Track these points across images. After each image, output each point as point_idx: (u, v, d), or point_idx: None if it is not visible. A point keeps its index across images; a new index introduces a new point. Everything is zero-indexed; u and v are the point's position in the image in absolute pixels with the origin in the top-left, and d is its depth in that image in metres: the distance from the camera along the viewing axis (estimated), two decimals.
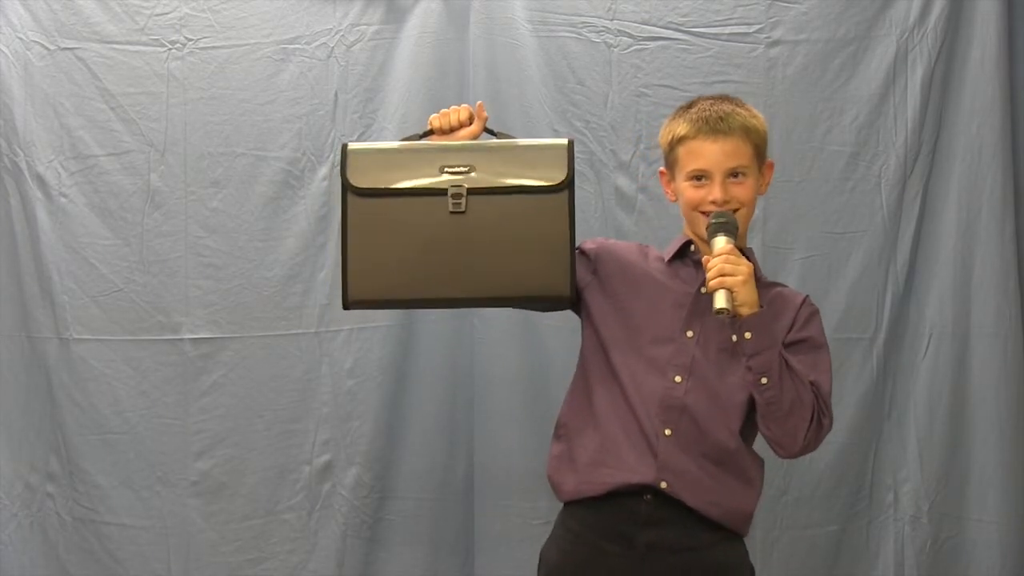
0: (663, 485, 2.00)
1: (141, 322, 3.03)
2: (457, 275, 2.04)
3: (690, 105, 2.13)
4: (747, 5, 2.94)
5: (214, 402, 3.02)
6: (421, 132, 2.19)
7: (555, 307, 2.17)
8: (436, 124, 2.15)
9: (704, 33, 2.95)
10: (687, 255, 2.13)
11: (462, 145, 2.11)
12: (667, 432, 2.01)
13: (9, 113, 3.02)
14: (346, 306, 2.10)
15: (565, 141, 2.11)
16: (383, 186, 2.07)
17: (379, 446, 3.01)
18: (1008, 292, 2.87)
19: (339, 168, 2.12)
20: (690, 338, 2.05)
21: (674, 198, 2.14)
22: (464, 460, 3.02)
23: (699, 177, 2.05)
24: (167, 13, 3.03)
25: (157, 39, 3.03)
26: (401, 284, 2.06)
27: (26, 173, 3.02)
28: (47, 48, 3.03)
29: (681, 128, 2.08)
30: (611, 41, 2.97)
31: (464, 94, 3.00)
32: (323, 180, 3.03)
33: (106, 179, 3.04)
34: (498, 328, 2.94)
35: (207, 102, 3.04)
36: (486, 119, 2.18)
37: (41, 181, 3.03)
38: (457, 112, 2.15)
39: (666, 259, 2.14)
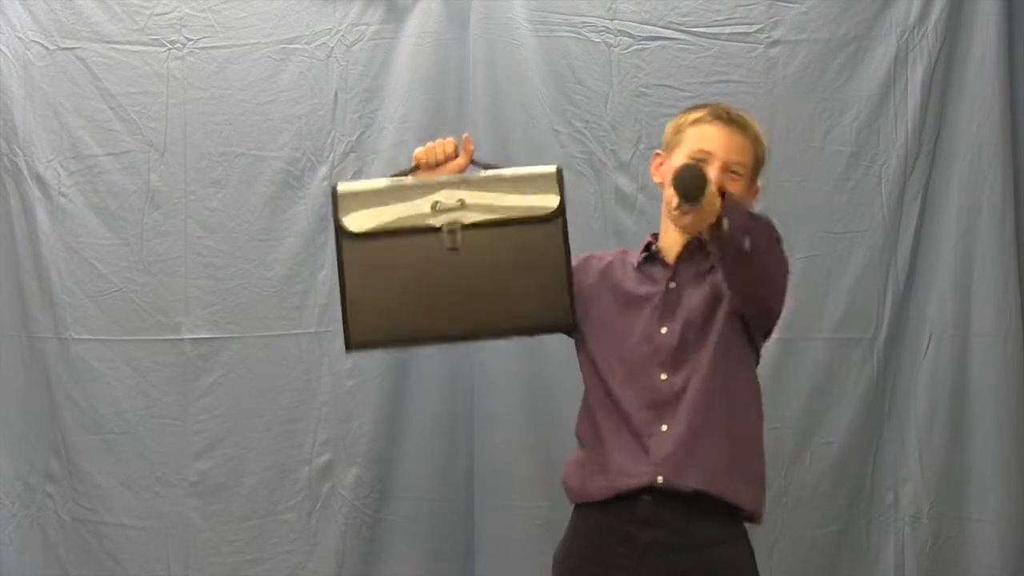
0: (660, 480, 2.01)
1: (141, 322, 3.03)
2: (457, 311, 2.04)
3: (706, 104, 2.16)
4: (747, 5, 2.94)
5: (214, 402, 3.02)
6: (408, 168, 2.16)
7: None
8: (422, 159, 2.13)
9: (704, 33, 2.95)
10: (651, 253, 2.15)
11: (451, 180, 2.09)
12: (663, 428, 2.03)
13: (9, 113, 3.02)
14: (349, 349, 2.09)
15: (554, 168, 2.11)
16: (377, 228, 2.07)
17: (379, 446, 3.01)
18: (1008, 292, 2.88)
19: (331, 212, 2.10)
20: (665, 334, 2.07)
21: (660, 180, 2.14)
22: (464, 460, 3.01)
23: (700, 160, 2.06)
24: (167, 13, 3.04)
25: (157, 39, 3.04)
26: (402, 324, 2.05)
27: (26, 173, 3.02)
28: (47, 48, 3.03)
29: (697, 114, 2.12)
30: (611, 41, 2.97)
31: (464, 94, 3.01)
32: (323, 180, 3.03)
33: (106, 179, 3.04)
34: None
35: (207, 102, 3.04)
36: (472, 152, 2.16)
37: (41, 181, 3.03)
38: (443, 145, 2.13)
39: (636, 264, 2.15)
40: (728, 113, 2.10)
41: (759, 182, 2.17)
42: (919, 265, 2.93)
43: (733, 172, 2.07)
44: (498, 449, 2.95)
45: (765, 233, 1.99)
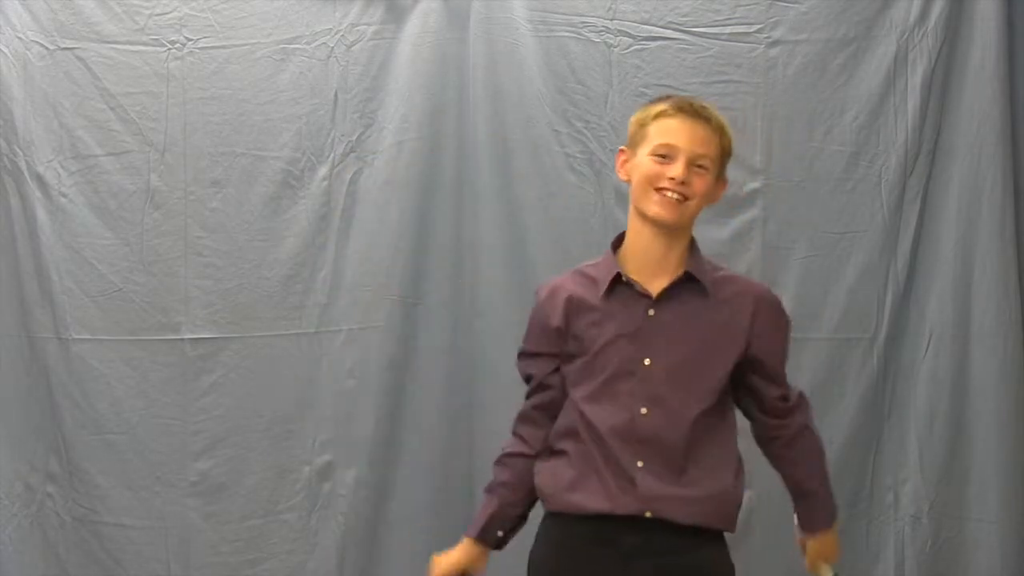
0: (648, 515, 2.00)
1: (141, 322, 3.03)
2: None
3: (668, 96, 2.11)
4: (747, 5, 2.94)
5: (214, 402, 3.02)
6: None
7: None
8: None
9: (704, 33, 2.95)
10: (620, 283, 2.07)
11: None
12: (639, 464, 2.01)
13: (9, 113, 3.02)
14: None
15: None
16: None
17: (379, 446, 3.01)
18: (1008, 292, 2.87)
19: None
20: (648, 366, 2.02)
21: (626, 177, 2.08)
22: (464, 460, 3.01)
23: (664, 155, 2.01)
24: (167, 13, 3.03)
25: (157, 39, 3.04)
26: None
27: (26, 173, 3.03)
28: (47, 48, 3.03)
29: (660, 107, 2.05)
30: (611, 41, 2.97)
31: (464, 94, 3.01)
32: (323, 180, 3.03)
33: (106, 179, 3.04)
34: (498, 327, 2.94)
35: (207, 102, 3.04)
36: None
37: (41, 181, 3.03)
38: None
39: (600, 295, 2.06)
40: (691, 105, 2.04)
41: (726, 178, 2.11)
42: (919, 265, 2.93)
43: (699, 166, 2.01)
44: (498, 449, 2.94)
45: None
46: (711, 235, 2.92)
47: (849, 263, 2.93)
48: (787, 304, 2.90)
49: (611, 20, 2.97)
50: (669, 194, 1.99)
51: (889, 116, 2.92)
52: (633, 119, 2.10)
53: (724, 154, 2.07)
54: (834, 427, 2.90)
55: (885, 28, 2.92)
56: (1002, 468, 2.86)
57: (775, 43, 2.94)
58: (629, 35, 2.96)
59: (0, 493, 3.04)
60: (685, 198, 2.00)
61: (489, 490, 2.16)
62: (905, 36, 2.91)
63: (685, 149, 2.01)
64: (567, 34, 2.98)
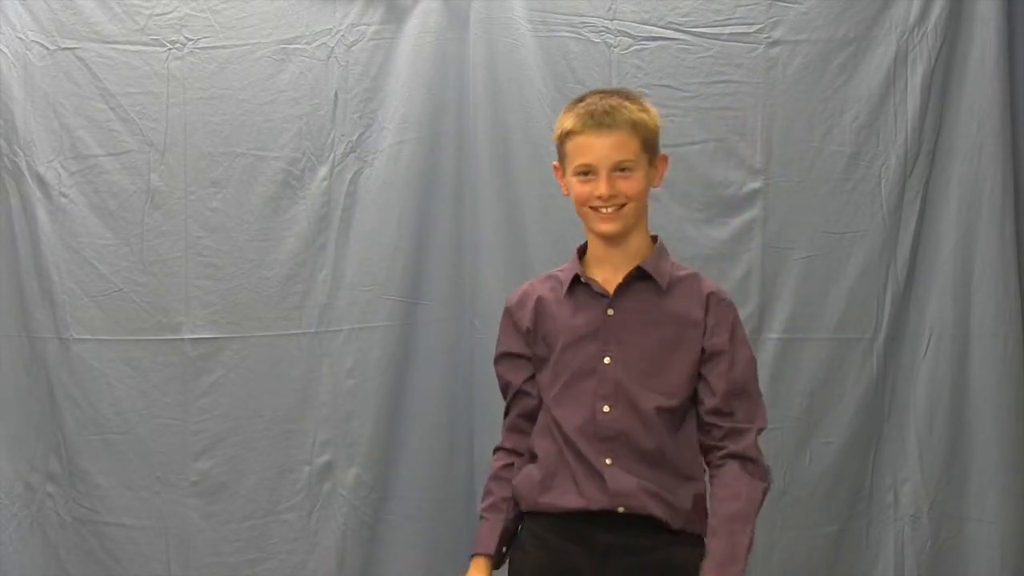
0: (620, 510, 2.02)
1: (141, 322, 3.03)
2: None
3: (580, 99, 2.10)
4: (747, 5, 2.94)
5: (214, 402, 3.02)
6: None
7: None
8: None
9: (704, 33, 2.95)
10: (580, 284, 2.11)
11: None
12: (608, 461, 2.02)
13: (9, 113, 3.02)
14: None
15: None
16: None
17: (379, 446, 3.01)
18: (1008, 292, 2.88)
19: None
20: (608, 364, 2.05)
21: (567, 193, 2.11)
22: (464, 460, 3.02)
23: (586, 172, 2.03)
24: (167, 13, 3.03)
25: (157, 39, 3.04)
26: None
27: (26, 173, 3.03)
28: (47, 48, 3.03)
29: (568, 122, 2.06)
30: (611, 41, 2.97)
31: (464, 94, 3.01)
32: (323, 180, 3.03)
33: (106, 179, 3.04)
34: (498, 327, 2.93)
35: (207, 102, 3.04)
36: None
37: (41, 181, 3.03)
38: None
39: (565, 292, 2.11)
40: (593, 116, 2.02)
41: (663, 152, 2.11)
42: (919, 265, 2.93)
43: (622, 170, 2.02)
44: None
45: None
46: (711, 235, 2.94)
47: (849, 263, 2.93)
48: (787, 304, 2.95)
49: (611, 20, 2.97)
50: (603, 210, 2.03)
51: (889, 116, 2.92)
52: (554, 130, 2.11)
53: (647, 141, 2.06)
54: (834, 427, 2.91)
55: (885, 28, 2.92)
56: (1002, 468, 2.86)
57: (775, 43, 2.94)
58: (629, 35, 2.96)
59: (0, 493, 3.05)
60: (621, 205, 2.03)
61: (492, 508, 2.15)
62: (905, 36, 2.91)
63: (603, 163, 2.02)
64: (567, 34, 2.98)
